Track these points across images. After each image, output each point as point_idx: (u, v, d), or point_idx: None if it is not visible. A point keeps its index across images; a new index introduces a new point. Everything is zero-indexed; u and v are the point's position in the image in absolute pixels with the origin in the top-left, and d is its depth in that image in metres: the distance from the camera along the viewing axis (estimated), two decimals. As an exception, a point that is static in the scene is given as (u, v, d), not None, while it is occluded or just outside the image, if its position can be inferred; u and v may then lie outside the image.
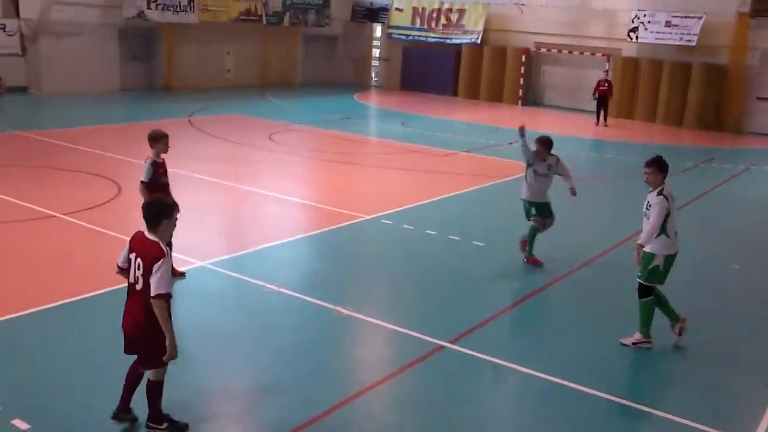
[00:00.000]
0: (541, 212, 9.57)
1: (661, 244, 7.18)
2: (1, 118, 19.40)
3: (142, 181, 8.05)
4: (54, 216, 10.31)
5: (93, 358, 6.34)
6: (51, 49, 23.25)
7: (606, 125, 24.70)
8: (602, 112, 24.81)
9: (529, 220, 9.58)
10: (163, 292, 4.85)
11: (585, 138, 22.53)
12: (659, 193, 7.21)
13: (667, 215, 7.13)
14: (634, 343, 7.27)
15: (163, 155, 8.18)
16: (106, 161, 14.18)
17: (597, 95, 24.79)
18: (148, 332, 4.97)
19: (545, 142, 9.60)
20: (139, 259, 4.95)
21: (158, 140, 8.09)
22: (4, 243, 9.21)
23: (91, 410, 5.52)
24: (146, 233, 5.06)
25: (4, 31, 22.97)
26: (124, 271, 5.17)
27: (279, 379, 6.23)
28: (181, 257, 8.87)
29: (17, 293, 7.62)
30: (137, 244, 5.06)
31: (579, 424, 5.82)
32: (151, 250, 4.93)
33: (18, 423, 5.24)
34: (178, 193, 12.08)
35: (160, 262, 4.86)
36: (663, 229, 7.17)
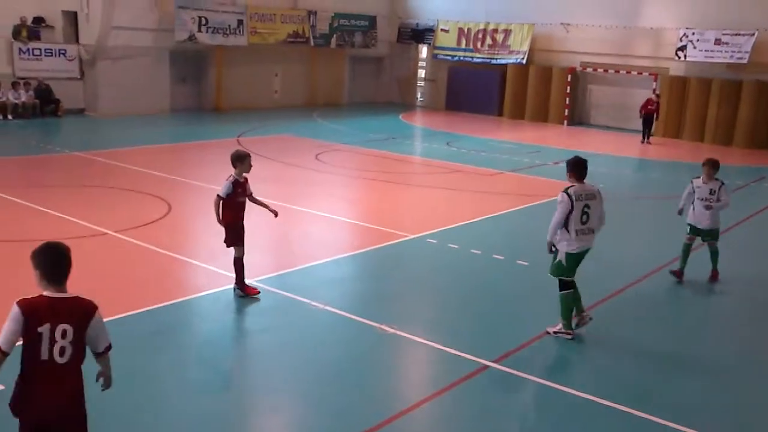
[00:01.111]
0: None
1: (565, 241, 7.53)
2: (60, 140, 20.09)
3: (218, 195, 8.34)
4: (106, 233, 10.62)
5: (145, 374, 6.51)
6: (107, 72, 24.01)
7: (649, 143, 24.51)
8: (647, 131, 24.66)
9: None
10: (108, 343, 4.25)
11: (632, 157, 22.30)
12: (564, 191, 7.53)
13: (570, 213, 7.40)
14: (555, 332, 7.70)
15: (245, 175, 8.49)
16: (157, 181, 14.55)
17: (643, 114, 24.62)
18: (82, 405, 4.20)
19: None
20: (63, 327, 3.96)
21: (242, 160, 8.45)
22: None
23: (134, 425, 5.66)
24: (52, 293, 4.06)
25: (65, 56, 23.82)
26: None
27: (322, 397, 6.32)
28: (229, 274, 9.07)
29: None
30: (49, 311, 3.95)
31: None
32: (80, 308, 4.13)
33: None
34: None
35: (96, 314, 4.16)
36: (566, 226, 7.47)
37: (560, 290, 7.69)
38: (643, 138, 24.75)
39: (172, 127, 23.79)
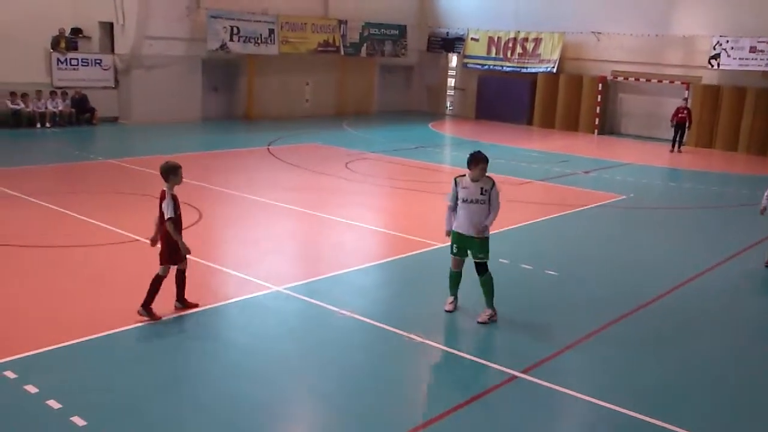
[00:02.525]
0: None
1: (449, 221, 8.44)
2: (94, 148, 20.45)
3: (171, 218, 7.79)
4: (137, 240, 10.78)
5: (177, 379, 6.60)
6: (140, 81, 24.42)
7: (680, 151, 24.28)
8: (678, 139, 24.41)
9: None
10: None
11: (662, 167, 22.08)
12: (455, 178, 8.38)
13: (456, 198, 8.29)
14: (490, 317, 8.25)
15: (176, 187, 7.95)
16: (188, 188, 14.68)
17: (675, 122, 24.41)
18: None
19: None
20: None
21: (174, 172, 7.95)
22: (90, 266, 9.69)
23: (173, 428, 5.74)
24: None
25: (101, 66, 24.28)
26: None
27: (347, 405, 6.35)
28: (258, 281, 9.17)
29: (102, 314, 7.99)
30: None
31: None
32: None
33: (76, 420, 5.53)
34: (257, 220, 12.54)
35: None
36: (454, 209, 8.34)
37: (486, 272, 8.37)
38: (673, 146, 24.52)
39: (203, 135, 24.08)
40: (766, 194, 11.33)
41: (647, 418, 6.23)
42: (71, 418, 5.71)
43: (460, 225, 8.33)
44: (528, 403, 6.53)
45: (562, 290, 9.72)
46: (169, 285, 8.43)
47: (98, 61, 24.24)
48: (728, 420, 6.42)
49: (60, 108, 22.87)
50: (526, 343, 7.88)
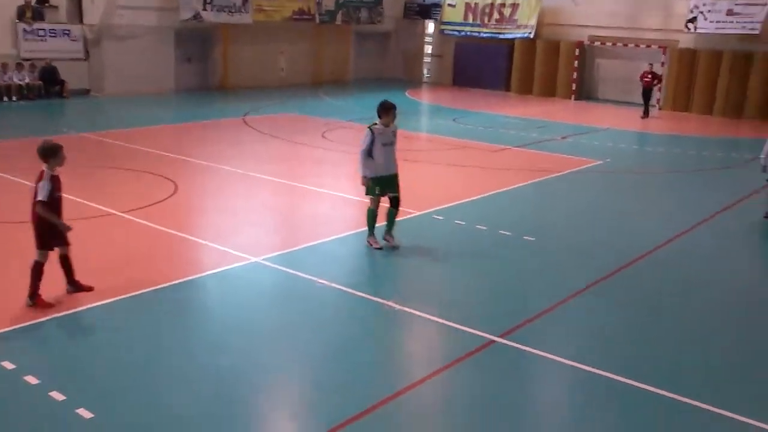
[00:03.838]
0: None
1: (369, 168, 9.27)
2: (66, 121, 20.10)
3: (41, 201, 7.24)
4: (111, 214, 10.64)
5: (157, 353, 6.55)
6: (112, 52, 23.98)
7: (646, 116, 24.19)
8: (645, 104, 24.31)
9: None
10: None
11: (639, 131, 22.15)
12: (368, 127, 9.28)
13: (372, 144, 9.18)
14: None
15: (58, 169, 7.48)
16: (163, 160, 14.56)
17: (642, 87, 24.31)
18: None
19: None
20: None
21: (54, 153, 7.40)
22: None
23: (150, 404, 5.71)
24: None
25: (69, 37, 23.76)
26: None
27: (329, 373, 6.34)
28: (236, 253, 9.10)
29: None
30: None
31: (637, 423, 5.77)
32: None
33: (83, 412, 5.46)
34: (233, 191, 12.43)
35: None
36: (371, 155, 9.20)
37: (398, 205, 9.57)
38: (645, 112, 24.41)
39: (177, 106, 23.77)
40: (763, 154, 11.74)
41: (627, 380, 6.28)
42: (50, 393, 5.65)
43: (383, 168, 9.37)
44: (506, 367, 6.55)
45: (540, 255, 9.75)
46: (155, 255, 8.36)
47: (66, 32, 23.71)
48: (708, 381, 6.49)
49: (27, 80, 22.40)
50: (504, 308, 7.90)
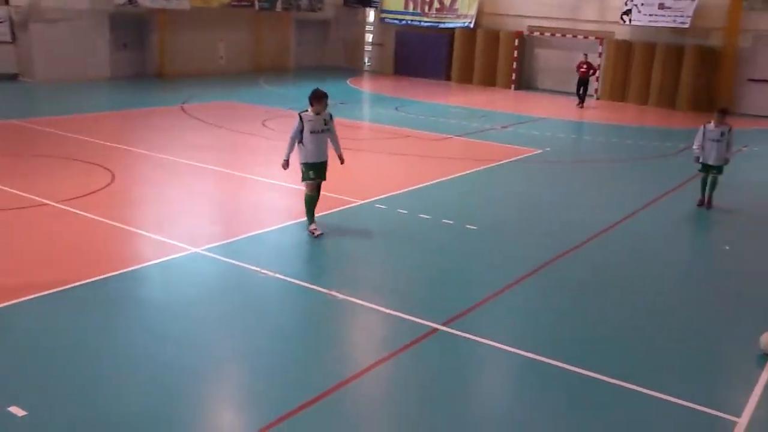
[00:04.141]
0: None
1: (301, 154, 9.49)
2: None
3: None
4: (46, 204, 10.31)
5: (96, 345, 6.38)
6: (41, 36, 23.16)
7: (582, 106, 24.63)
8: (582, 94, 24.74)
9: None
10: None
11: (578, 120, 22.58)
12: (299, 113, 9.43)
13: (302, 132, 9.35)
14: (310, 231, 9.60)
15: None
16: (100, 149, 14.16)
17: (578, 77, 24.74)
18: None
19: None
20: None
21: None
22: (-2, 231, 9.23)
23: (89, 398, 5.57)
24: None
25: (-6, 19, 22.88)
26: None
27: (273, 363, 6.29)
28: (176, 244, 8.93)
29: (12, 281, 7.64)
30: None
31: (573, 405, 5.89)
32: None
33: (14, 410, 5.28)
34: (172, 180, 12.18)
35: None
36: (301, 141, 9.40)
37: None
38: (580, 101, 24.81)
39: (113, 93, 23.15)
40: (695, 145, 12.06)
41: (569, 367, 6.40)
42: (-21, 391, 5.46)
43: (314, 154, 9.54)
44: (451, 354, 6.61)
45: (482, 243, 9.85)
46: (93, 245, 8.14)
47: (-8, 14, 22.82)
48: (645, 365, 6.67)
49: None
50: (447, 296, 7.96)
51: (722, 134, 11.84)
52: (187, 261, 8.50)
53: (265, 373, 6.12)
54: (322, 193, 9.92)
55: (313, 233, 9.61)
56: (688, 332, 7.44)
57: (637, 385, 6.13)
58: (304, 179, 9.66)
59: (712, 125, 11.98)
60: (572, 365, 6.42)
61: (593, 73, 24.94)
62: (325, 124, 9.58)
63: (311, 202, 9.72)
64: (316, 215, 9.84)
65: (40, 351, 6.23)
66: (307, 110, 9.47)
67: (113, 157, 13.43)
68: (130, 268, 8.15)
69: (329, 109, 9.68)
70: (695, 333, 7.43)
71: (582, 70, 24.54)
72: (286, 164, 9.62)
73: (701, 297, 8.51)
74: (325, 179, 9.79)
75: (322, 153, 9.61)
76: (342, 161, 9.98)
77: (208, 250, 8.83)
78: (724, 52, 25.18)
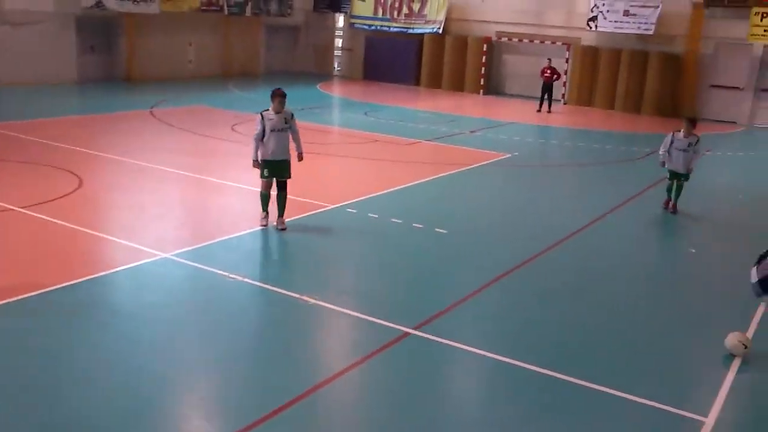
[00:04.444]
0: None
1: (261, 150, 9.86)
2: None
3: None
4: (9, 209, 10.16)
5: (63, 352, 6.31)
6: (5, 39, 22.79)
7: (549, 112, 24.88)
8: (547, 100, 24.98)
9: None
10: None
11: (545, 125, 22.82)
12: (260, 113, 9.85)
13: (264, 131, 9.72)
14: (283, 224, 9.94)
15: None
16: (67, 154, 13.99)
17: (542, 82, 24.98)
18: None
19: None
20: None
21: None
22: (-38, 237, 9.07)
23: (57, 405, 5.51)
24: None
25: (-44, 21, 22.46)
26: None
27: (243, 369, 6.28)
28: (144, 249, 8.85)
29: (-22, 288, 7.52)
30: None
31: (545, 408, 5.96)
32: None
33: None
34: (141, 185, 12.07)
35: None
36: (263, 139, 9.75)
37: (285, 189, 10.05)
38: (540, 106, 25.03)
39: (80, 97, 22.88)
40: (661, 150, 12.24)
41: (540, 369, 6.48)
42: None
43: (273, 152, 9.82)
44: (421, 358, 6.65)
45: (452, 247, 9.92)
46: (60, 251, 8.03)
47: (-45, 16, 22.42)
48: (614, 367, 6.77)
49: None
50: (418, 300, 8.01)
51: (689, 144, 12.02)
52: (157, 266, 8.43)
53: (236, 379, 6.11)
54: (291, 196, 9.94)
55: (260, 222, 10.05)
56: (656, 334, 7.57)
57: (607, 387, 6.23)
58: (261, 176, 10.03)
59: (681, 134, 12.10)
60: (543, 368, 6.49)
61: (557, 78, 25.22)
62: (286, 123, 9.88)
63: (263, 199, 10.06)
64: (287, 219, 9.86)
65: (5, 357, 6.15)
66: (268, 109, 9.89)
67: (81, 162, 13.27)
68: (99, 274, 8.06)
69: (296, 111, 9.84)
70: (663, 335, 7.56)
71: (546, 75, 24.82)
72: (255, 163, 9.95)
73: (670, 299, 8.66)
74: (286, 177, 10.04)
75: (281, 151, 9.87)
76: (300, 158, 10.25)
77: (178, 255, 8.78)
78: (686, 59, 25.68)
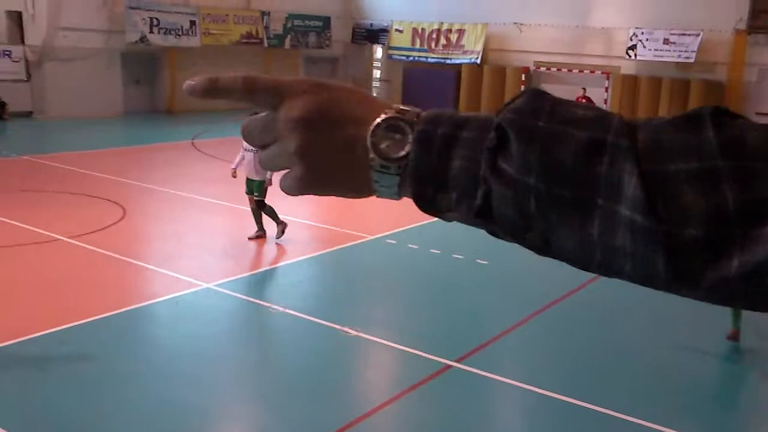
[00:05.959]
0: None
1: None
2: (7, 143, 19.56)
3: None
4: (58, 239, 10.37)
5: (106, 383, 6.36)
6: (55, 74, 23.47)
7: None
8: None
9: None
10: None
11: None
12: None
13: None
14: (282, 230, 10.38)
15: None
16: (112, 185, 14.27)
17: None
18: None
19: None
20: None
21: None
22: (9, 267, 9.26)
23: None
24: None
25: (10, 58, 23.18)
26: None
27: (284, 402, 6.26)
28: (187, 279, 8.94)
29: (22, 317, 7.65)
30: None
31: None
32: None
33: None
34: (186, 215, 12.23)
35: None
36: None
37: (265, 206, 10.56)
38: None
39: (124, 129, 23.38)
40: None
41: (582, 403, 6.34)
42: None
43: (248, 171, 10.52)
44: (463, 391, 6.56)
45: (494, 279, 9.83)
46: (104, 281, 8.16)
47: (7, 53, 23.13)
48: (665, 402, 6.61)
49: (-33, 102, 21.79)
50: (460, 333, 7.93)
51: None
52: (199, 297, 8.50)
53: (273, 412, 6.09)
54: (334, 228, 9.97)
55: (250, 236, 10.64)
56: (713, 368, 7.38)
57: (655, 424, 6.06)
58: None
59: None
60: (589, 403, 6.36)
61: None
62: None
63: (252, 213, 10.68)
64: (326, 250, 9.93)
65: (46, 387, 6.22)
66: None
67: (124, 193, 13.51)
68: (142, 304, 8.16)
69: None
70: (718, 369, 7.36)
71: None
72: (233, 172, 10.96)
73: (723, 327, 8.45)
74: (256, 196, 10.53)
75: (251, 170, 10.50)
76: (256, 174, 10.60)
77: (220, 285, 8.84)
78: (730, 86, 25.33)
